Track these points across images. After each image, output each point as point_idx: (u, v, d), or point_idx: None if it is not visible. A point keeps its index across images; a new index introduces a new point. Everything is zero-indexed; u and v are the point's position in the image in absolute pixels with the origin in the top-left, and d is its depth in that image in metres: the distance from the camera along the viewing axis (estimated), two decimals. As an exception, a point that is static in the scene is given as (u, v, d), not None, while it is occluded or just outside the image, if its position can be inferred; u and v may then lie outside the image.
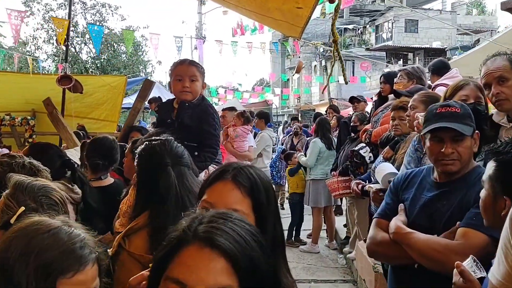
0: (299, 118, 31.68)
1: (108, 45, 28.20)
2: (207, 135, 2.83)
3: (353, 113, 6.33)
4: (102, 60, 25.96)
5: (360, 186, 3.34)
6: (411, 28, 31.50)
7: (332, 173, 5.52)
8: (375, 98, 5.01)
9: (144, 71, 26.77)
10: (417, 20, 31.01)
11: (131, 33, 6.94)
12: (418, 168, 2.16)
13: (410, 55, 30.31)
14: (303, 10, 2.54)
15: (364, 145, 4.04)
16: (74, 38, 25.77)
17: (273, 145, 7.11)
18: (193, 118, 2.83)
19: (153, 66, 29.19)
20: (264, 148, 6.63)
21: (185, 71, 2.86)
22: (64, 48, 10.09)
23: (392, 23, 30.97)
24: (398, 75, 3.90)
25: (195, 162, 2.17)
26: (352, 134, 5.33)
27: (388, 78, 4.44)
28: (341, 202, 7.57)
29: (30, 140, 9.53)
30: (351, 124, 5.31)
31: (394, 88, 3.79)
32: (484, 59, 2.22)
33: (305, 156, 6.28)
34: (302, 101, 31.85)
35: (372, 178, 3.52)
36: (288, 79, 31.50)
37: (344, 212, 6.64)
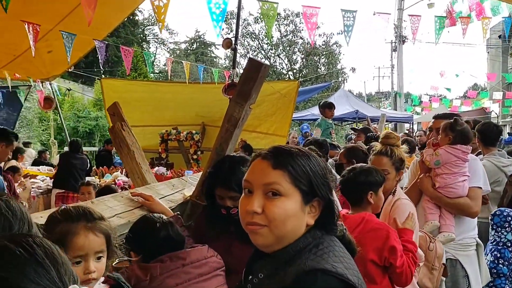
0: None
1: (305, 56, 27.65)
2: None
3: None
4: (294, 70, 25.43)
5: None
6: None
7: None
8: None
9: (336, 80, 25.13)
10: None
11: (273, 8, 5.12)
12: None
13: None
14: None
15: None
16: (268, 50, 26.02)
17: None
18: None
19: (345, 74, 27.41)
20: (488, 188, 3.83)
21: None
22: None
23: None
24: None
25: None
26: None
27: None
28: None
29: (195, 156, 8.61)
30: None
31: None
32: None
33: None
34: (533, 108, 25.15)
35: None
36: (512, 81, 25.21)
37: None
